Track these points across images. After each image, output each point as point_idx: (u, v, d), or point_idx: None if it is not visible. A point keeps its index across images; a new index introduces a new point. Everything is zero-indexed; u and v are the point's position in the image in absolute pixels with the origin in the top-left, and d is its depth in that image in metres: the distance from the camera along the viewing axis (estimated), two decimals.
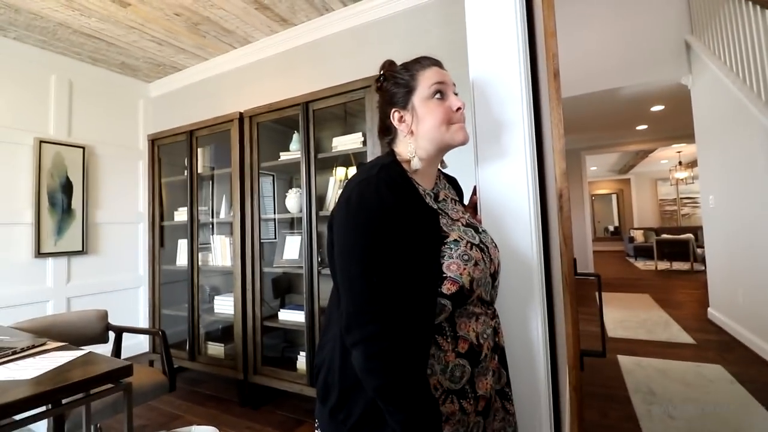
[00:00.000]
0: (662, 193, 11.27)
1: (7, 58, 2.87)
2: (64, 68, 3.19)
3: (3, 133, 2.81)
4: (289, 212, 2.51)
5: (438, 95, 0.82)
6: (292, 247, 2.50)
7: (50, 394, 1.02)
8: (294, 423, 2.21)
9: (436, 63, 0.86)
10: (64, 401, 1.11)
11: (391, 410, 0.65)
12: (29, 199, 2.92)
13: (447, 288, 0.72)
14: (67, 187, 3.13)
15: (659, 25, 3.71)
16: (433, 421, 0.66)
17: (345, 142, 2.27)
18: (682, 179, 9.56)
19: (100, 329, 2.02)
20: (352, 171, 2.37)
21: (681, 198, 10.91)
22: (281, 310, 2.47)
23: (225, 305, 2.69)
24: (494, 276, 0.82)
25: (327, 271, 2.18)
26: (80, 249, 3.18)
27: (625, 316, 4.29)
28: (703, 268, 6.54)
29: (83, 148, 3.23)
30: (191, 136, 2.84)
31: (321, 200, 2.37)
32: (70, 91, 3.23)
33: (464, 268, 0.73)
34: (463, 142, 0.84)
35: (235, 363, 2.50)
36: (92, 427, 1.69)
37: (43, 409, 1.06)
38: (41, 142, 2.97)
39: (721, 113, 3.37)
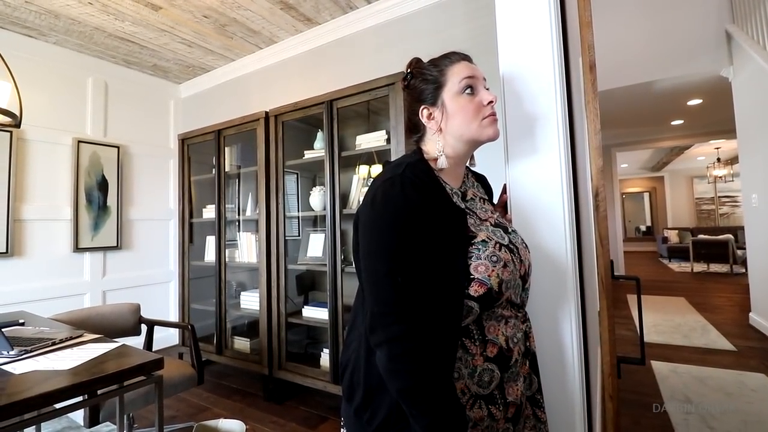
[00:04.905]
0: (699, 192, 10.75)
1: (48, 61, 3.01)
2: (100, 71, 3.32)
3: (44, 134, 2.95)
4: (313, 210, 2.53)
5: (468, 90, 0.80)
6: (316, 245, 2.52)
7: (87, 385, 1.05)
8: (318, 419, 2.23)
9: (465, 57, 0.84)
10: (99, 392, 1.15)
11: (415, 414, 0.63)
12: (68, 197, 3.06)
13: (474, 290, 0.70)
14: (103, 185, 3.26)
15: (697, 14, 3.51)
16: (459, 428, 0.63)
17: (369, 140, 2.27)
18: (720, 177, 9.11)
19: (133, 322, 2.09)
20: (376, 169, 2.35)
21: (719, 196, 10.37)
22: (305, 306, 2.49)
23: (251, 301, 2.74)
24: (525, 278, 0.79)
25: (350, 269, 2.18)
26: (115, 244, 3.31)
27: (659, 319, 4.11)
28: (744, 270, 6.21)
29: (118, 147, 3.36)
30: (219, 136, 2.90)
31: (344, 198, 2.37)
32: (105, 92, 3.36)
33: (492, 270, 0.71)
34: (493, 138, 0.81)
35: (260, 358, 2.54)
36: (125, 416, 1.76)
37: (80, 398, 1.10)
38: (79, 141, 3.10)
39: (765, 106, 3.17)
